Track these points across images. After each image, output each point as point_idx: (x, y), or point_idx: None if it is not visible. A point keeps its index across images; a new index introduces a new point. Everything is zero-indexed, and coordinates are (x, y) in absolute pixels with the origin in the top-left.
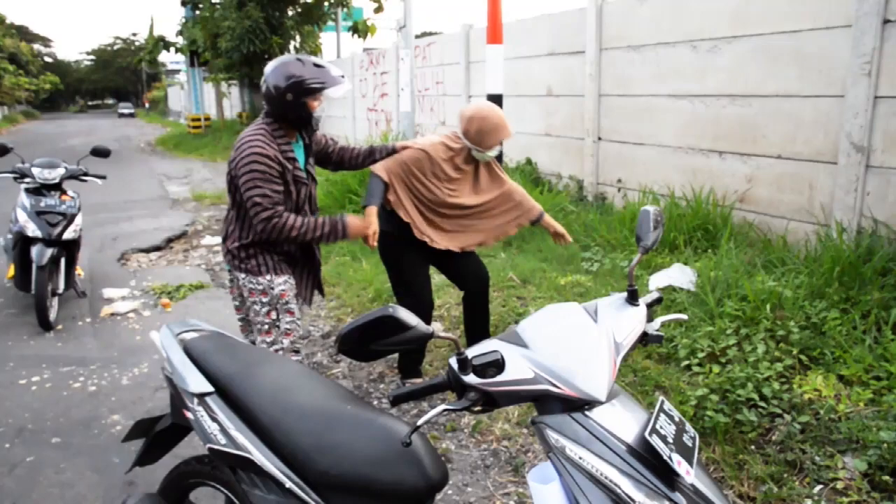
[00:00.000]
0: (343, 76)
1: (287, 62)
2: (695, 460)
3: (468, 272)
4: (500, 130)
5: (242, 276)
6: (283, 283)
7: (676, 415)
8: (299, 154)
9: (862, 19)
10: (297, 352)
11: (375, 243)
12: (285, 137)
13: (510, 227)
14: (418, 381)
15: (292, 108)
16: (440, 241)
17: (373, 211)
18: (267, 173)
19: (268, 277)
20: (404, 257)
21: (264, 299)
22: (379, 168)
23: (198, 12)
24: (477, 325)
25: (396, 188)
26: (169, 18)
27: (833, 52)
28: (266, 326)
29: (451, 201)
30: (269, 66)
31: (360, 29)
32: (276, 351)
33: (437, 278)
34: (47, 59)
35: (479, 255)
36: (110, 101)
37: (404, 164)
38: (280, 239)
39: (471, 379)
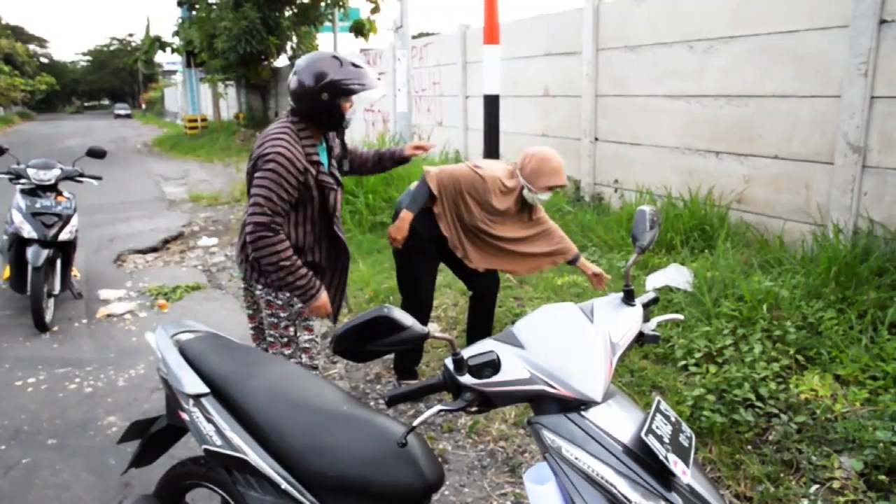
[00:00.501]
0: (380, 78)
1: (323, 59)
2: (691, 460)
3: (480, 275)
4: (556, 175)
5: (261, 287)
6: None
7: (673, 415)
8: (323, 157)
9: (858, 19)
10: (315, 367)
11: (400, 247)
12: (311, 139)
13: (545, 262)
14: (414, 382)
15: (325, 109)
16: (474, 260)
17: (408, 217)
18: (283, 177)
19: (287, 294)
20: (418, 255)
21: (283, 314)
22: (432, 178)
23: (194, 13)
24: (479, 327)
25: (444, 202)
26: (165, 19)
27: (830, 52)
28: (285, 339)
29: (491, 232)
30: (302, 62)
31: (362, 29)
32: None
33: (437, 278)
34: (43, 60)
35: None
36: (106, 102)
37: (457, 183)
38: (257, 254)
39: (466, 379)
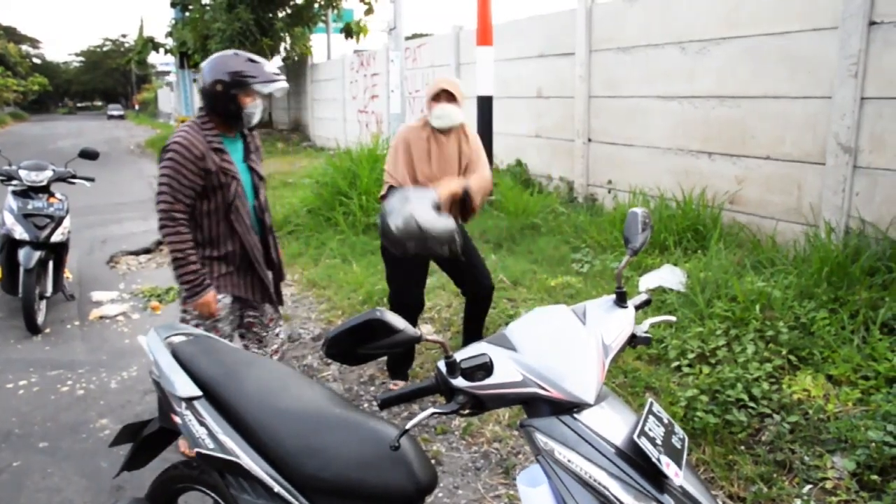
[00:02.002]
0: (279, 74)
1: (222, 55)
2: (684, 462)
3: (471, 279)
4: (437, 85)
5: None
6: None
7: (665, 417)
8: (235, 150)
9: (848, 21)
10: None
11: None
12: (215, 130)
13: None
14: (401, 383)
15: (221, 101)
16: None
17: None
18: (181, 164)
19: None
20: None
21: (195, 312)
22: (387, 179)
23: (188, 14)
24: (472, 329)
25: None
26: (158, 20)
27: (820, 53)
28: None
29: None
30: (206, 61)
31: (352, 30)
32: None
33: (431, 280)
34: (36, 61)
35: (482, 262)
36: (99, 103)
37: (397, 155)
38: (162, 238)
39: (459, 382)
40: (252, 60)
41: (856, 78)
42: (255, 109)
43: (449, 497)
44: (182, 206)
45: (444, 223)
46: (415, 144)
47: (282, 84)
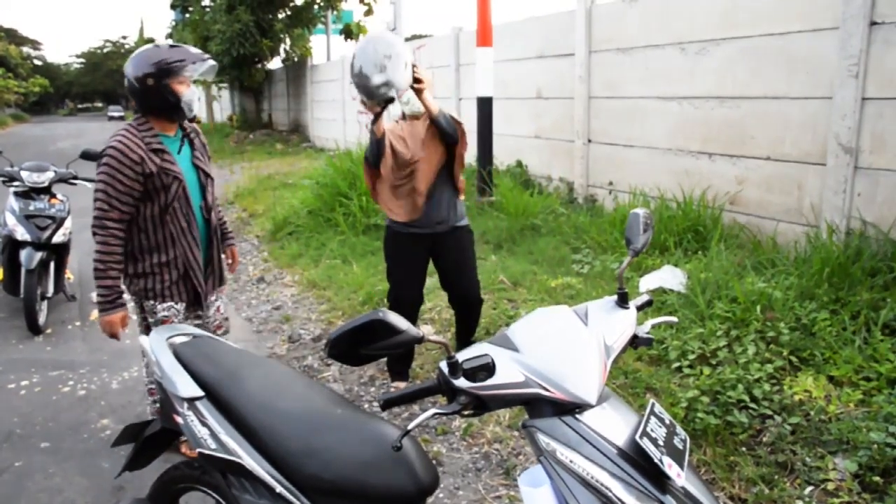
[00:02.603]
0: (207, 56)
1: (143, 50)
2: (685, 463)
3: (457, 285)
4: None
5: (130, 298)
6: (167, 310)
7: (667, 417)
8: (177, 149)
9: (849, 21)
10: None
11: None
12: (153, 131)
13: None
14: (401, 384)
15: (156, 95)
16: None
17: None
18: (116, 170)
19: (151, 303)
20: (400, 250)
21: (152, 321)
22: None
23: (188, 15)
24: (462, 334)
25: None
26: (159, 21)
27: (821, 53)
28: None
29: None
30: (128, 62)
31: (352, 32)
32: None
33: (431, 280)
34: (37, 62)
35: (473, 273)
36: (100, 105)
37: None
38: (95, 248)
39: (461, 383)
40: (175, 46)
41: (856, 78)
42: (192, 96)
43: (450, 498)
44: (117, 214)
45: (401, 78)
46: (389, 130)
47: (211, 62)
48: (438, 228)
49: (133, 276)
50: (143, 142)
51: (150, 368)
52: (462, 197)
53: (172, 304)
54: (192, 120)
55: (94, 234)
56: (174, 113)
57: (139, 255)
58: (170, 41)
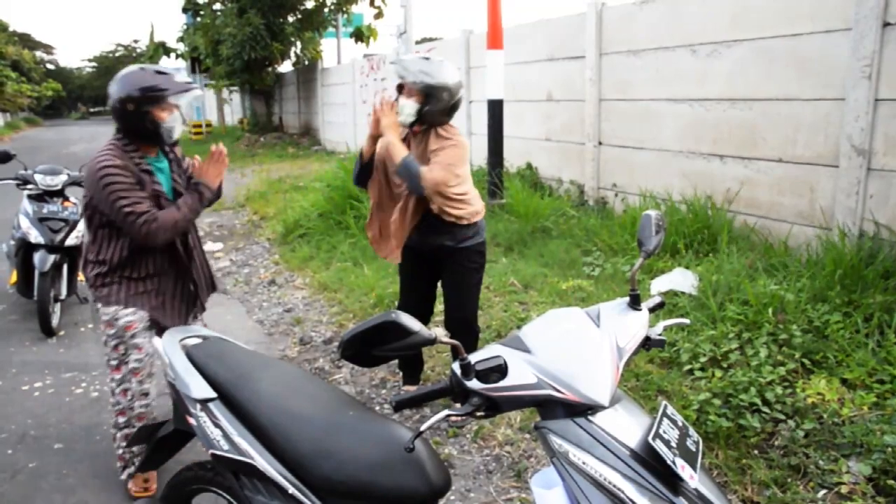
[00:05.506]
0: (190, 83)
1: (128, 73)
2: (699, 465)
3: (447, 308)
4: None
5: (97, 305)
6: (131, 315)
7: (680, 419)
8: (161, 170)
9: (861, 22)
10: (146, 394)
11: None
12: (139, 152)
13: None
14: (412, 388)
15: (135, 120)
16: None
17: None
18: (126, 182)
19: (113, 308)
20: (404, 262)
21: (110, 331)
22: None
23: (199, 19)
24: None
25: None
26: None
27: (833, 54)
28: (114, 362)
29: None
30: (113, 81)
31: (362, 34)
32: (125, 392)
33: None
34: (49, 67)
35: (467, 298)
36: None
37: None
38: (167, 238)
39: (474, 384)
40: (161, 72)
41: (869, 79)
42: (173, 124)
43: (461, 500)
44: (155, 211)
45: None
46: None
47: (196, 92)
48: (437, 251)
49: (100, 285)
50: (133, 162)
51: (122, 385)
52: (468, 221)
53: (137, 309)
54: (174, 145)
55: (157, 230)
56: (152, 139)
57: (109, 265)
58: (156, 66)
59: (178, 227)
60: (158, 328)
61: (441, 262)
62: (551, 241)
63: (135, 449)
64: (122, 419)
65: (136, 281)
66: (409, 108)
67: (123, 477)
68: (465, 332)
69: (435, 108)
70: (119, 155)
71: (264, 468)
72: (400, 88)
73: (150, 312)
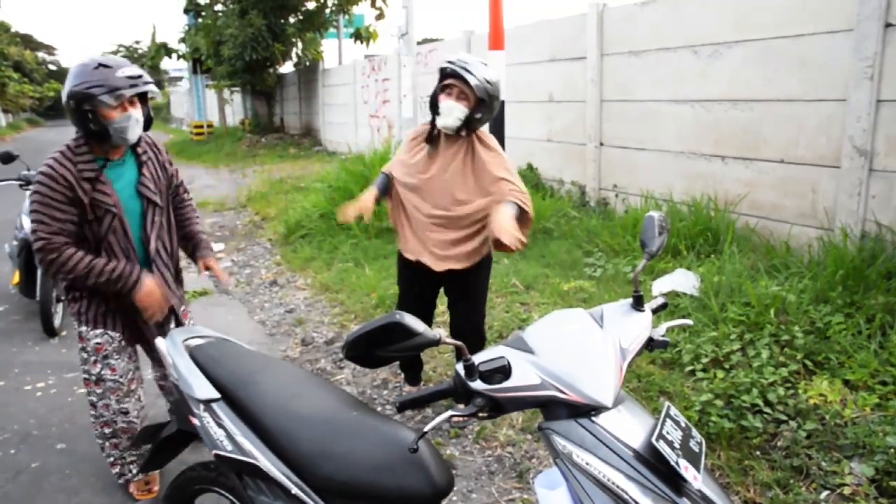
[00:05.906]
0: (137, 78)
1: (76, 66)
2: (702, 465)
3: (452, 315)
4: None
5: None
6: (100, 337)
7: (683, 420)
8: (121, 175)
9: (863, 23)
10: (125, 412)
11: (363, 214)
12: (88, 155)
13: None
14: (412, 389)
15: (81, 119)
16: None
17: (370, 192)
18: (48, 196)
19: (84, 328)
20: (401, 274)
21: (83, 349)
22: (385, 167)
23: (200, 20)
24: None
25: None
26: (172, 26)
27: (835, 56)
28: (92, 377)
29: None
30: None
31: (362, 35)
32: (106, 406)
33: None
34: (51, 67)
35: (475, 305)
36: None
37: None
38: (63, 275)
39: (477, 385)
40: (103, 65)
41: (871, 80)
42: (125, 123)
43: (463, 501)
44: (61, 239)
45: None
46: (407, 146)
47: (138, 90)
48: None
49: (71, 299)
50: (76, 168)
51: (104, 398)
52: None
53: (106, 331)
54: (136, 146)
55: (50, 262)
56: (102, 140)
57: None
58: (101, 57)
59: (75, 275)
60: (143, 341)
61: (448, 275)
62: (553, 241)
63: (126, 456)
64: (107, 430)
65: (102, 298)
66: (457, 111)
67: (122, 482)
68: (473, 337)
69: (484, 115)
70: (62, 161)
71: (267, 468)
72: (443, 88)
73: (122, 333)
